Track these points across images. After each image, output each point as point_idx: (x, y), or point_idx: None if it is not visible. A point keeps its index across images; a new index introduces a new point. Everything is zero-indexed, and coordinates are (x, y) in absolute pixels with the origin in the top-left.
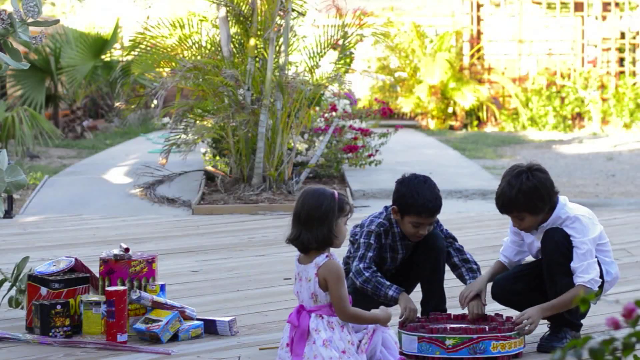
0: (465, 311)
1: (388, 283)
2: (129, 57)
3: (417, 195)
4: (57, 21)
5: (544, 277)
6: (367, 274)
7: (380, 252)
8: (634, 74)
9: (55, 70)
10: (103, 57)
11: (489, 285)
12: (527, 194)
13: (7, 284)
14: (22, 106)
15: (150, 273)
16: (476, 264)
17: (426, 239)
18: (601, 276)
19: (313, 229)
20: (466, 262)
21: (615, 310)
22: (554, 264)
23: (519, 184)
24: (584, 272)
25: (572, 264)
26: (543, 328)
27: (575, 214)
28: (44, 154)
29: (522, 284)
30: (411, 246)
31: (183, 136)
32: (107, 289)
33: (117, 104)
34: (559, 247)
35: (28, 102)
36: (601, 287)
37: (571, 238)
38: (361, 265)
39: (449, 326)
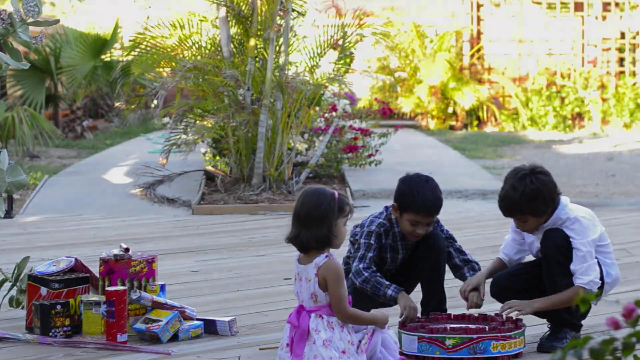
0: (466, 311)
1: (387, 282)
2: (129, 57)
3: (417, 194)
4: (57, 21)
5: (544, 277)
6: (366, 274)
7: (381, 252)
8: (634, 74)
9: (55, 70)
10: (103, 57)
11: (488, 282)
12: (530, 197)
13: (7, 284)
14: (22, 106)
15: (150, 273)
16: (477, 263)
17: (427, 239)
18: (601, 278)
19: (312, 228)
20: (467, 262)
21: (615, 310)
22: (553, 264)
23: (522, 187)
24: (584, 274)
25: (571, 266)
26: (543, 328)
27: (576, 215)
28: (44, 154)
29: (521, 282)
30: (411, 246)
31: (183, 136)
32: (107, 289)
33: (117, 104)
34: (558, 247)
35: (28, 102)
36: (601, 288)
37: (571, 239)
38: (361, 266)
39: (449, 326)
